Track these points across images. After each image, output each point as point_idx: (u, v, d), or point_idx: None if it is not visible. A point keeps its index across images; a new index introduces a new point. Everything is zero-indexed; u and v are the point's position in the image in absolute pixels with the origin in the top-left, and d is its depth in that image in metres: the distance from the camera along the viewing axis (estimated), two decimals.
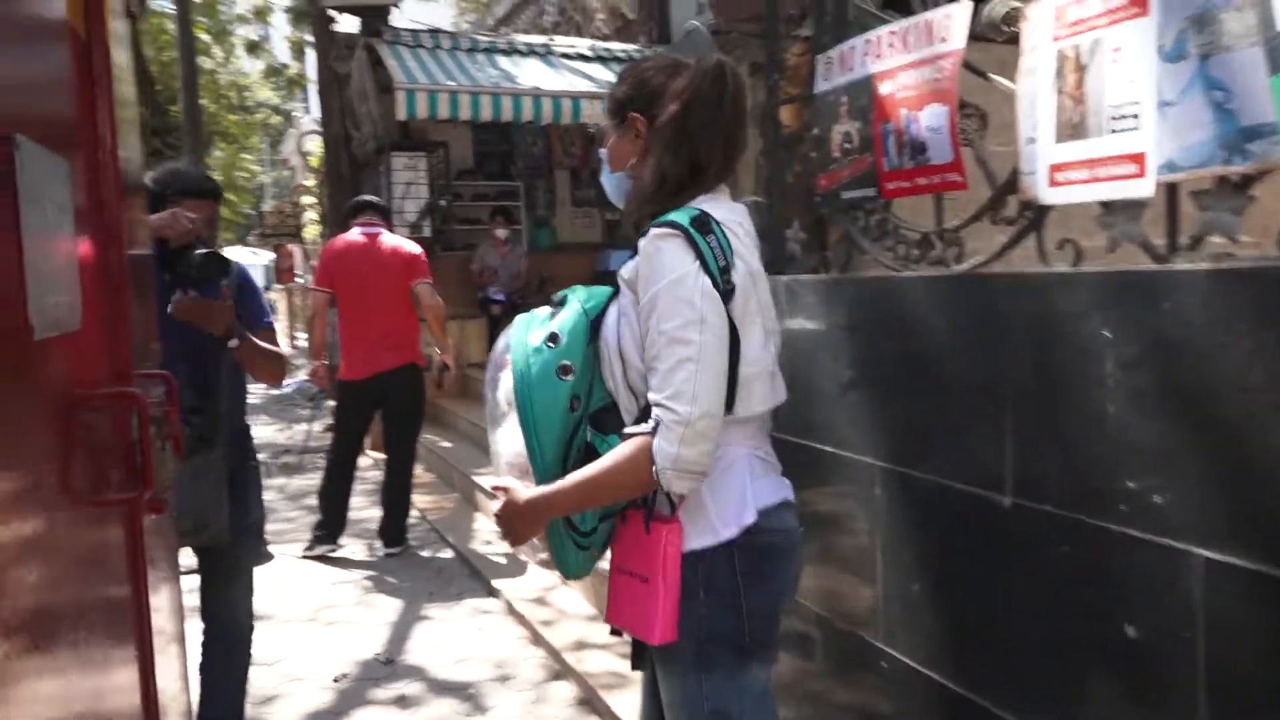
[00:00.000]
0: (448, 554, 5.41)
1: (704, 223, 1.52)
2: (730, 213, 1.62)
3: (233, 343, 2.58)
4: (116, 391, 1.38)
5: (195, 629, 2.64)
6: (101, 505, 1.32)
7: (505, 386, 1.65)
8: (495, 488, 1.67)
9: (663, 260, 1.50)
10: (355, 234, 5.27)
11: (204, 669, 2.81)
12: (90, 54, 1.38)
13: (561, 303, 1.68)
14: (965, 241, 2.11)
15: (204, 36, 18.11)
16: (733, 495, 1.59)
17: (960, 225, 2.10)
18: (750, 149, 2.72)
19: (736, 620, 1.58)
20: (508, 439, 1.67)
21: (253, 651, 2.95)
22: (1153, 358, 1.51)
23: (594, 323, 1.64)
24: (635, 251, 1.56)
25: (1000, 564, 1.84)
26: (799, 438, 2.39)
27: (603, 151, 1.74)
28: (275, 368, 2.83)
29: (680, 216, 1.53)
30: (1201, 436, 1.45)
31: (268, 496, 7.08)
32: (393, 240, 5.29)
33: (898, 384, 2.09)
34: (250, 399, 3.09)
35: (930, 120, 2.05)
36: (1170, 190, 1.60)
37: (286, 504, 6.82)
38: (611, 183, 1.74)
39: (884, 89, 2.20)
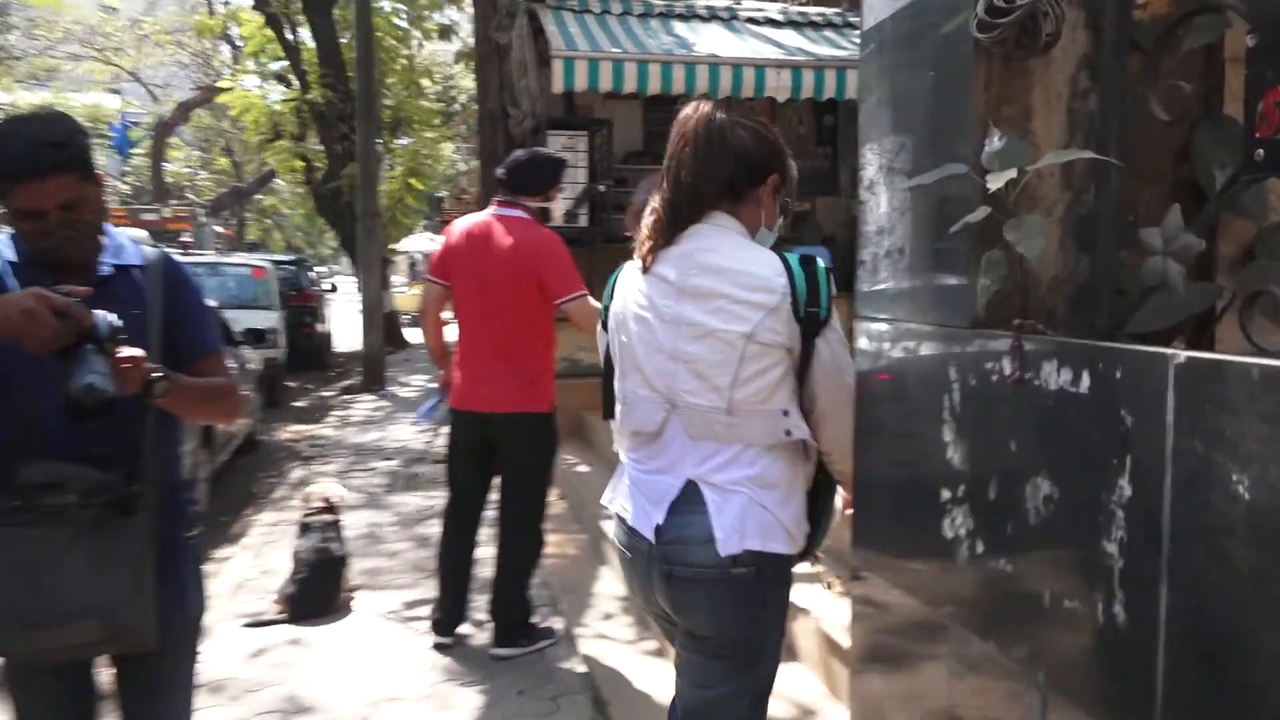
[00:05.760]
0: (557, 624, 4.18)
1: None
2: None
3: (157, 400, 1.85)
4: None
5: None
6: None
7: None
8: None
9: None
10: (484, 214, 3.85)
11: None
12: None
13: None
14: None
15: (401, 23, 17.91)
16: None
17: None
18: (1065, 70, 1.36)
19: None
20: None
21: None
22: None
23: None
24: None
25: None
26: None
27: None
28: (221, 406, 2.13)
29: None
30: None
31: (383, 517, 6.16)
32: (528, 231, 3.73)
33: None
34: None
35: None
36: None
37: (395, 530, 5.80)
38: None
39: None
